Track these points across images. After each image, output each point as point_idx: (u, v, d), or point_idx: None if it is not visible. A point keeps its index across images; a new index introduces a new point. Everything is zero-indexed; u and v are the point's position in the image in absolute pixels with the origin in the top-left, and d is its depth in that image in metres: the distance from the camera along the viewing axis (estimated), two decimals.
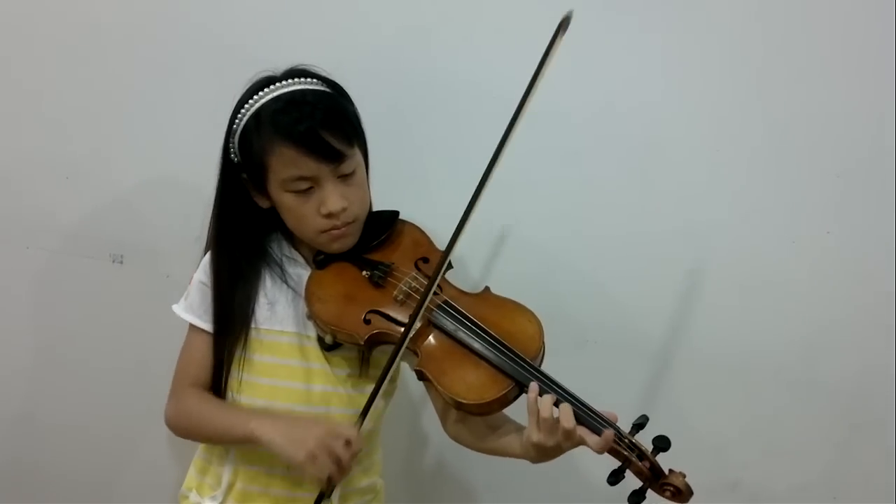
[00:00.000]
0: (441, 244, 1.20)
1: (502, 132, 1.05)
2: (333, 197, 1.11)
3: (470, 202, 1.06)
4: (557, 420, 1.00)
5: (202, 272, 1.20)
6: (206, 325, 1.18)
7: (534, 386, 1.02)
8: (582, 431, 1.01)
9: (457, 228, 1.07)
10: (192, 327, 1.19)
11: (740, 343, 1.44)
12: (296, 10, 1.44)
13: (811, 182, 1.38)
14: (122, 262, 1.54)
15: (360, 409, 1.14)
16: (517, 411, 1.10)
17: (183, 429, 1.19)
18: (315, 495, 1.11)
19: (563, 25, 1.03)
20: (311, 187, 1.11)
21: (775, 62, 1.37)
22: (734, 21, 1.36)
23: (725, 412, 1.46)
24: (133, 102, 1.48)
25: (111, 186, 1.51)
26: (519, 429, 1.11)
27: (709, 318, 1.44)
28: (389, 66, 1.42)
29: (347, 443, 1.04)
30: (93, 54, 1.47)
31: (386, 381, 1.08)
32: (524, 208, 1.45)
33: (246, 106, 1.12)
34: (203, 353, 1.18)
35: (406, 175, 1.44)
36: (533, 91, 1.04)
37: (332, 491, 1.10)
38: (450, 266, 1.16)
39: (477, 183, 1.06)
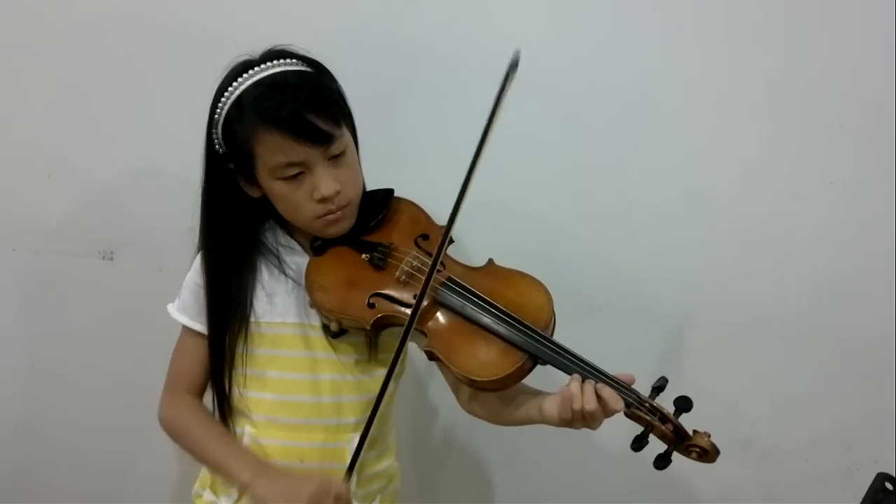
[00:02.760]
0: (439, 219, 1.17)
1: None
2: (326, 181, 1.07)
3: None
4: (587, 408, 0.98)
5: (195, 272, 1.16)
6: (200, 326, 1.14)
7: (575, 380, 0.99)
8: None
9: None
10: (185, 329, 1.16)
11: (747, 300, 1.43)
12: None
13: (812, 134, 1.36)
14: (112, 259, 1.50)
15: (372, 395, 1.11)
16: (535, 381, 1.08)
17: (173, 438, 1.16)
18: None
19: (514, 66, 1.00)
20: (301, 172, 1.06)
21: (772, 13, 1.33)
22: None
23: (735, 370, 1.47)
24: (115, 94, 1.43)
25: (96, 181, 1.46)
26: (536, 395, 1.08)
27: (715, 275, 1.42)
28: (377, 41, 1.38)
29: (338, 498, 1.04)
30: (73, 47, 1.42)
31: (393, 375, 1.06)
32: (523, 178, 1.42)
33: (226, 94, 1.07)
34: (196, 356, 1.15)
35: (399, 152, 1.40)
36: (490, 133, 1.02)
37: None
38: (451, 241, 1.12)
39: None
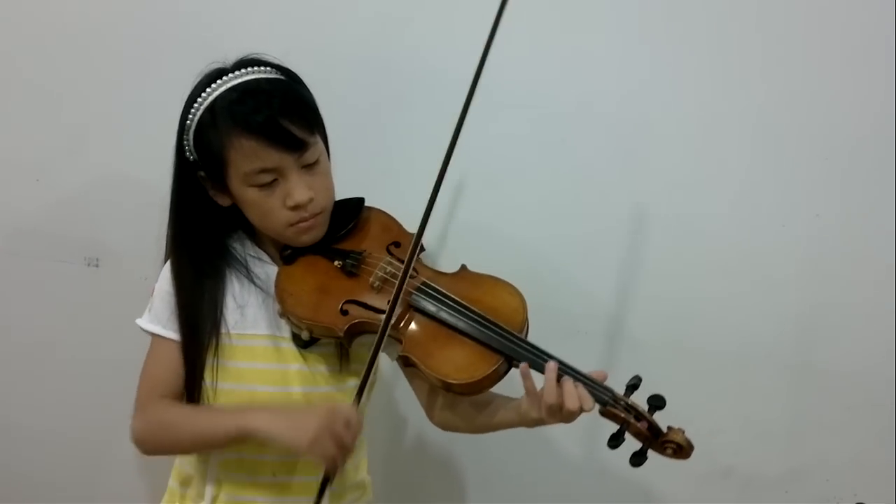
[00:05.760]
0: (411, 228, 1.15)
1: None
2: (299, 188, 1.05)
3: (437, 179, 1.01)
4: (563, 401, 0.97)
5: (164, 281, 1.13)
6: (173, 333, 1.11)
7: (550, 370, 0.98)
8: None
9: (427, 206, 1.02)
10: (157, 337, 1.12)
11: (732, 329, 1.41)
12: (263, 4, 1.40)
13: (800, 166, 1.35)
14: (97, 266, 1.50)
15: None
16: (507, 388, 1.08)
17: (156, 442, 1.11)
18: (306, 499, 1.07)
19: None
20: (275, 179, 1.05)
21: (762, 46, 1.33)
22: (720, 5, 1.33)
23: (716, 399, 1.44)
24: (105, 101, 1.44)
25: (84, 188, 1.47)
26: (510, 400, 1.08)
27: (700, 304, 1.41)
28: (364, 54, 1.40)
29: (348, 423, 0.99)
30: (62, 53, 1.44)
31: (375, 365, 1.03)
32: (511, 199, 1.42)
33: (198, 100, 1.05)
34: (171, 363, 1.11)
35: (379, 164, 1.41)
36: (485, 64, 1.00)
37: (335, 473, 1.03)
38: (422, 249, 1.11)
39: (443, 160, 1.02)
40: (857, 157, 1.35)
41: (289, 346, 1.12)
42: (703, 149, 1.38)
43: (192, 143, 1.08)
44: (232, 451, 1.11)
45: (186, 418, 1.08)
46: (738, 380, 1.44)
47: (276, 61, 1.10)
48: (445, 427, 1.17)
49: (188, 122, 1.07)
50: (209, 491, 1.13)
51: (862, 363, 1.41)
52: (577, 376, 1.00)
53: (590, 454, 1.44)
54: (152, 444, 1.12)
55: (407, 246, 1.13)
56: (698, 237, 1.40)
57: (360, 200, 1.18)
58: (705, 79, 1.36)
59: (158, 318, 1.13)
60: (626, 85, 1.37)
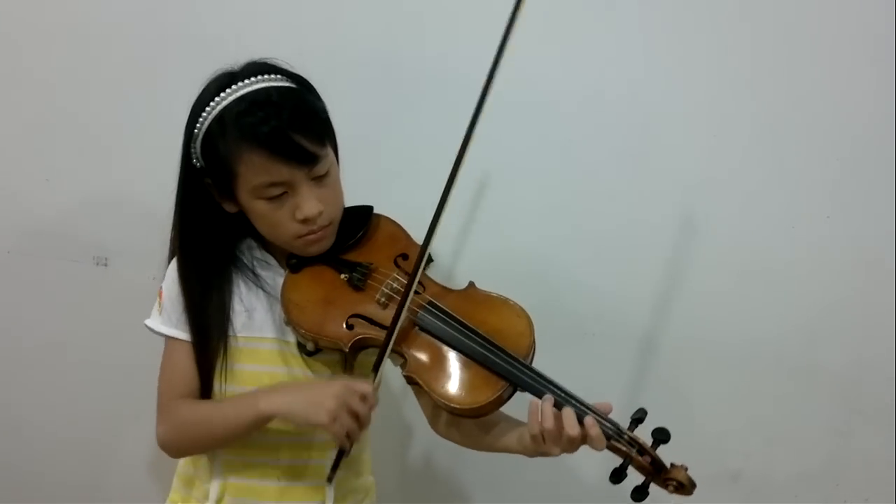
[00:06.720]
0: (418, 234, 1.13)
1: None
2: (309, 201, 1.03)
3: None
4: (562, 429, 0.96)
5: (171, 283, 1.12)
6: (185, 335, 1.10)
7: (547, 400, 0.97)
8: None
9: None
10: (171, 340, 1.11)
11: (740, 331, 1.40)
12: (275, 5, 1.40)
13: (810, 167, 1.35)
14: (106, 265, 1.50)
15: None
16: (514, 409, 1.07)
17: (185, 442, 1.10)
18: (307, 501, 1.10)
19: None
20: (284, 192, 1.02)
21: (771, 46, 1.33)
22: (728, 4, 1.33)
23: (726, 402, 1.44)
24: (114, 102, 1.43)
25: (93, 187, 1.45)
26: (516, 425, 1.06)
27: (708, 306, 1.40)
28: (377, 59, 1.38)
29: (364, 397, 0.98)
30: (71, 54, 1.43)
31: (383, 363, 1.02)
32: (519, 201, 1.40)
33: (207, 109, 1.02)
34: (187, 364, 1.10)
35: (387, 169, 1.39)
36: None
37: (351, 447, 1.04)
38: (430, 260, 1.09)
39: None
40: (869, 159, 1.35)
41: (294, 351, 1.11)
42: (713, 149, 1.37)
43: (199, 151, 1.05)
44: (237, 454, 1.10)
45: (208, 416, 1.07)
46: (747, 382, 1.44)
47: (287, 67, 1.07)
48: (448, 439, 1.16)
49: (196, 130, 1.04)
50: (214, 493, 1.12)
51: (873, 366, 1.41)
52: (582, 408, 0.98)
53: (597, 458, 1.45)
54: (179, 446, 1.11)
55: (414, 258, 1.10)
56: (707, 238, 1.40)
57: (369, 209, 1.16)
58: (714, 78, 1.35)
59: (169, 319, 1.11)
60: (635, 85, 1.36)
